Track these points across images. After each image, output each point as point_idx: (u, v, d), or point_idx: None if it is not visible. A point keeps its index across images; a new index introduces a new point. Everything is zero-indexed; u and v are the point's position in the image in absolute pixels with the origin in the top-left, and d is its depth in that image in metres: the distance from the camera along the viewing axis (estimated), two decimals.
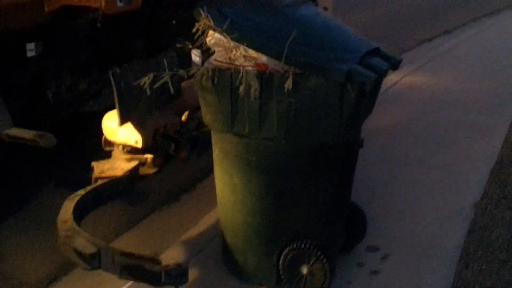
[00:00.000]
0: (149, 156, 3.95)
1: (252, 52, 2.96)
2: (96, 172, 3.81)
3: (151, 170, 4.02)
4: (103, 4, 4.27)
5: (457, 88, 7.55)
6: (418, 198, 4.46)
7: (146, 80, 3.16)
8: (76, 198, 3.44)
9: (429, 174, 4.88)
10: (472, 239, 3.86)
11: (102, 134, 4.01)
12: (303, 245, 3.14)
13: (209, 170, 3.75)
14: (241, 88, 2.95)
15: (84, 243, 3.08)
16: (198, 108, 3.66)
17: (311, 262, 3.15)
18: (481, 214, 4.18)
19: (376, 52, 3.16)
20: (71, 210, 3.31)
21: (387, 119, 6.21)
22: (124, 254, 3.01)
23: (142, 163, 3.96)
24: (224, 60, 3.04)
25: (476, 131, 5.93)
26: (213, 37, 3.09)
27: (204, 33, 3.04)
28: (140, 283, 3.08)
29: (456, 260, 3.63)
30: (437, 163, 5.12)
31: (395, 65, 3.23)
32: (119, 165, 3.87)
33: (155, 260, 2.98)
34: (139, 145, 3.88)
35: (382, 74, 3.05)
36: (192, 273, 3.35)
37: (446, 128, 6.04)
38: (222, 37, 2.99)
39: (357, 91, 2.88)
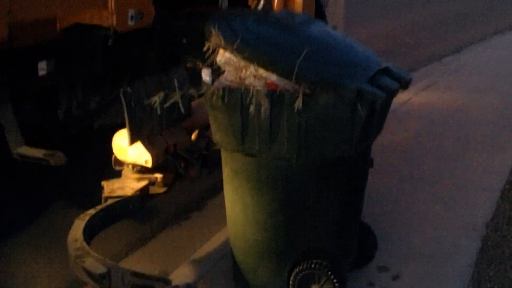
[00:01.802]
0: (159, 175, 3.95)
1: (262, 71, 2.97)
2: (106, 191, 3.81)
3: (161, 189, 4.02)
4: (114, 22, 4.29)
5: (468, 105, 7.53)
6: (429, 216, 4.44)
7: (156, 99, 3.17)
8: (86, 218, 3.45)
9: (440, 192, 4.86)
10: (484, 257, 3.84)
11: (112, 152, 4.02)
12: (313, 265, 3.13)
13: (219, 189, 3.74)
14: (251, 107, 2.95)
15: (94, 263, 3.08)
16: (208, 126, 3.66)
17: (321, 282, 3.13)
18: (493, 232, 4.15)
19: (386, 70, 3.16)
20: (81, 230, 3.32)
21: (398, 136, 6.19)
22: (134, 274, 3.01)
23: (152, 182, 3.96)
24: (234, 79, 3.05)
25: (487, 147, 5.90)
26: (223, 56, 3.09)
27: (214, 51, 3.05)
28: None
29: (468, 278, 3.61)
30: (448, 180, 5.10)
31: (405, 84, 3.22)
32: (129, 184, 3.88)
33: (165, 280, 2.97)
34: (149, 164, 3.88)
35: (391, 94, 3.05)
36: None
37: (457, 145, 6.02)
38: (232, 56, 3.01)
39: (367, 110, 2.87)
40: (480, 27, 14.85)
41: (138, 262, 3.96)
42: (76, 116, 4.93)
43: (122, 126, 3.95)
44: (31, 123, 4.52)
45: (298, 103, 2.87)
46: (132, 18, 4.42)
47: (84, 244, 3.20)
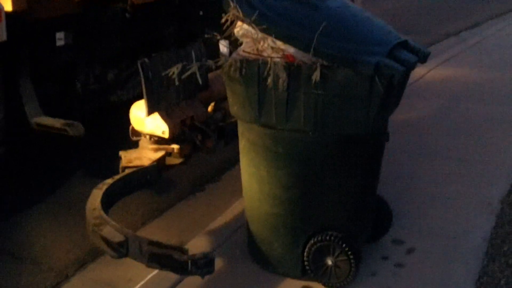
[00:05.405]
0: (175, 146, 3.97)
1: (280, 44, 2.97)
2: (124, 162, 3.85)
3: (177, 160, 4.05)
4: None
5: (485, 81, 7.47)
6: (445, 191, 4.44)
7: (174, 71, 3.18)
8: (104, 187, 3.48)
9: (456, 168, 4.85)
10: (498, 233, 3.84)
11: (129, 123, 4.04)
12: (328, 237, 3.15)
13: (235, 161, 3.76)
14: (269, 79, 2.95)
15: (112, 231, 3.12)
16: (225, 98, 3.67)
17: (336, 254, 3.16)
18: (508, 208, 4.15)
19: (404, 44, 3.15)
20: (99, 199, 3.35)
21: (414, 111, 6.17)
22: (152, 243, 3.04)
23: (169, 153, 3.99)
24: (252, 51, 3.05)
25: (504, 124, 5.87)
26: (241, 28, 3.09)
27: (232, 23, 3.05)
28: (166, 272, 3.12)
29: (482, 254, 3.62)
30: (464, 156, 5.09)
31: (423, 58, 3.21)
32: (146, 155, 3.91)
33: (182, 249, 3.00)
34: (166, 135, 3.90)
35: (410, 67, 3.04)
36: (218, 263, 3.38)
37: (473, 121, 5.99)
38: (250, 28, 3.00)
39: (386, 84, 2.87)
40: (499, 2, 14.67)
41: (154, 232, 4.00)
42: (94, 89, 4.95)
43: (139, 99, 3.97)
44: (50, 96, 4.55)
45: (316, 76, 2.87)
46: None
47: (102, 212, 3.24)
